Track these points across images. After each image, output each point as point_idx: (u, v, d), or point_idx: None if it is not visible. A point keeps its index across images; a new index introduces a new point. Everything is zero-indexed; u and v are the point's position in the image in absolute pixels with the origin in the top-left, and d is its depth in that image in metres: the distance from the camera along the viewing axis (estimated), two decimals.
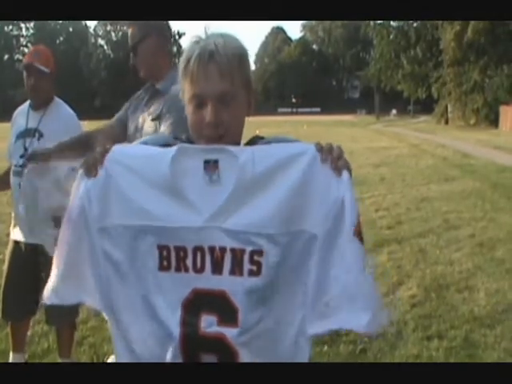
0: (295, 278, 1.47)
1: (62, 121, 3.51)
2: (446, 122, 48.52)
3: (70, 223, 1.51)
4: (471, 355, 3.97)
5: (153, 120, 2.78)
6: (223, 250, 1.45)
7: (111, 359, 3.42)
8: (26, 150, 3.44)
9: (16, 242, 3.57)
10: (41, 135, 3.45)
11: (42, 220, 2.96)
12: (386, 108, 78.73)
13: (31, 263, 3.50)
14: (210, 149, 1.46)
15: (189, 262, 1.46)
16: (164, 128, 2.68)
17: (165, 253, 1.47)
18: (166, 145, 1.58)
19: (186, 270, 1.47)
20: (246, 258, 1.44)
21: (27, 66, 3.48)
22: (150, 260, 1.49)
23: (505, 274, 5.76)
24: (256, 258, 1.44)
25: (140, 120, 2.90)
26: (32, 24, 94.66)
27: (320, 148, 1.47)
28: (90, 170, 1.51)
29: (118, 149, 1.53)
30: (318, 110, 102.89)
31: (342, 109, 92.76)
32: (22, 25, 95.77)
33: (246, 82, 1.55)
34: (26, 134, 3.49)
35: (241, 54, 1.53)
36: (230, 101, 1.50)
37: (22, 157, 3.45)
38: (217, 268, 1.46)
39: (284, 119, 70.69)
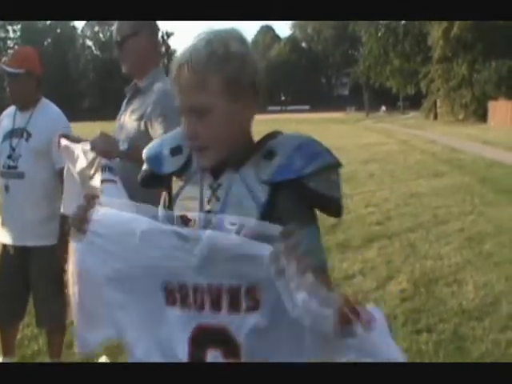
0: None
1: (50, 120, 3.48)
2: (435, 118, 48.70)
3: (77, 284, 1.55)
4: (460, 348, 4.00)
5: (136, 120, 2.78)
6: (220, 286, 1.41)
7: (103, 359, 3.43)
8: (13, 150, 3.43)
9: (4, 246, 3.56)
10: (29, 135, 3.42)
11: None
12: (375, 105, 78.87)
13: (20, 266, 3.50)
14: (181, 233, 1.42)
15: (190, 299, 1.45)
16: (156, 126, 2.67)
17: (170, 288, 1.46)
18: (179, 146, 1.59)
19: (189, 306, 1.46)
20: (243, 294, 1.40)
21: None
22: (156, 298, 1.48)
23: (493, 267, 5.81)
24: (253, 293, 1.39)
25: (122, 118, 2.90)
26: (19, 26, 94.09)
27: (276, 258, 1.30)
28: (80, 230, 1.50)
29: (96, 215, 1.52)
30: (308, 107, 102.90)
31: (331, 106, 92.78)
32: (9, 27, 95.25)
33: (230, 86, 1.43)
34: (13, 134, 3.46)
35: (225, 54, 1.41)
36: (204, 113, 1.43)
37: (9, 157, 3.44)
38: (216, 305, 1.43)
39: (273, 117, 70.53)
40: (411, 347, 4.02)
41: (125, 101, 2.99)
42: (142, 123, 2.74)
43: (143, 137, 2.66)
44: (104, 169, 2.55)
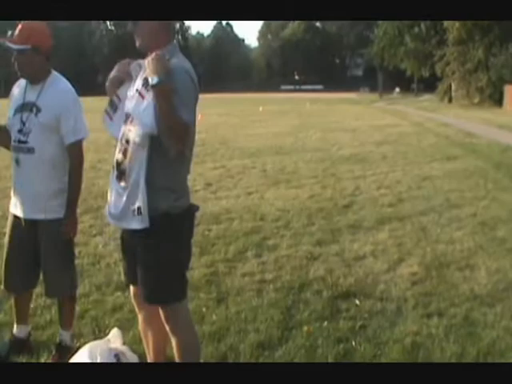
0: None
1: (59, 96, 3.45)
2: (450, 101, 48.21)
3: None
4: (470, 333, 3.96)
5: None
6: None
7: (113, 332, 3.45)
8: (23, 124, 3.42)
9: (15, 216, 3.57)
10: (38, 110, 3.41)
11: None
12: (389, 86, 78.21)
13: (30, 238, 3.51)
14: None
15: None
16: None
17: None
18: None
19: None
20: None
21: (2, 44, 3.41)
22: None
23: (506, 253, 5.75)
24: None
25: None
26: None
27: None
28: None
29: None
30: (321, 87, 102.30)
31: (344, 86, 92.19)
32: None
33: None
34: (24, 108, 3.44)
35: None
36: None
37: (19, 132, 3.43)
38: None
39: (287, 96, 70.34)
40: (421, 331, 4.00)
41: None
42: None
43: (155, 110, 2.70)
44: (110, 102, 3.01)
